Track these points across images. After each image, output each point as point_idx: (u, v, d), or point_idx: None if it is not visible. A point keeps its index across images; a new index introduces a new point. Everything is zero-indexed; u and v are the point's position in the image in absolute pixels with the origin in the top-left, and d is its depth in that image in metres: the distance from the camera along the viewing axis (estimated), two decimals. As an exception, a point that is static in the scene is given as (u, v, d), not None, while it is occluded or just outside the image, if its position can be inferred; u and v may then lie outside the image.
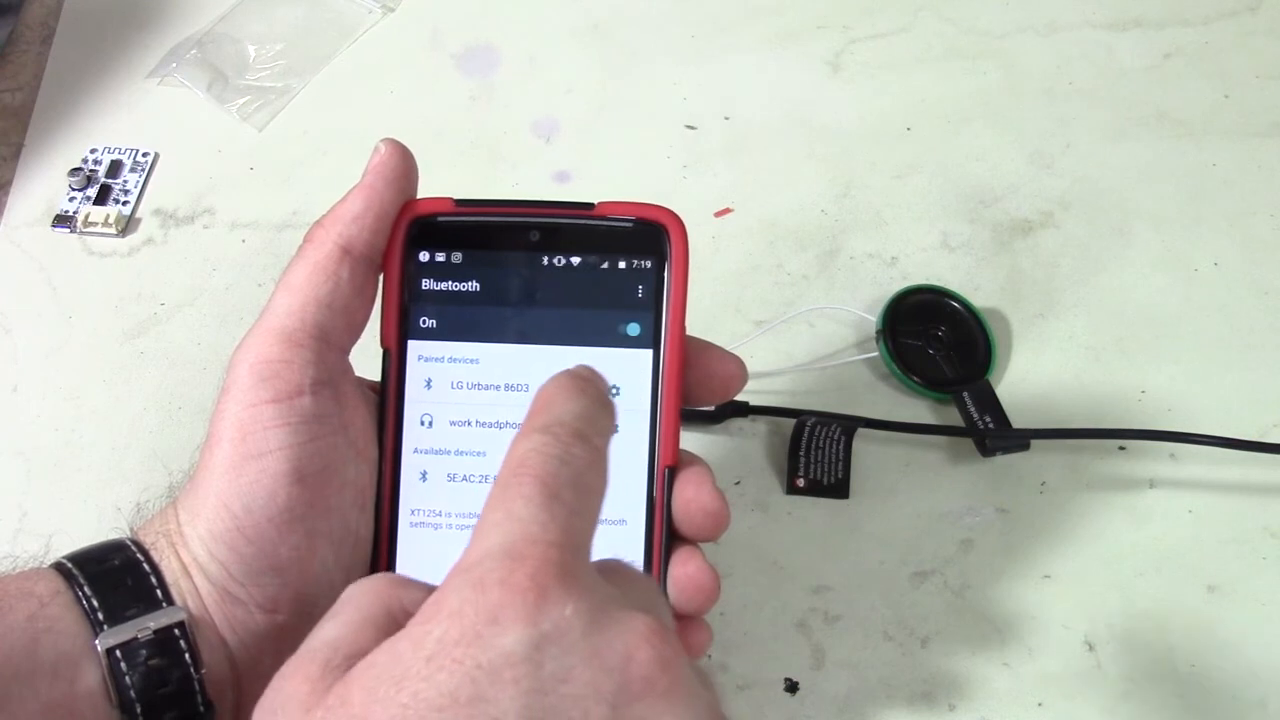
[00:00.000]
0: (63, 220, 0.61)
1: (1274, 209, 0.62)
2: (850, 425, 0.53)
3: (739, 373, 0.40)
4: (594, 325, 0.39)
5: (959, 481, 0.54)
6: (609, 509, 0.38)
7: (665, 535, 0.38)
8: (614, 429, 0.31)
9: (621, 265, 0.39)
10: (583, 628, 0.26)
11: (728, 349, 0.40)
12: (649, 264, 0.38)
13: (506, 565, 0.26)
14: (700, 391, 0.40)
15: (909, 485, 0.54)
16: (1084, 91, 0.67)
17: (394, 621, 0.28)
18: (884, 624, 0.50)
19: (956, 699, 0.48)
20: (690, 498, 0.38)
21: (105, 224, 0.61)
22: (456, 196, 0.39)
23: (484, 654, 0.25)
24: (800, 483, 0.53)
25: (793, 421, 0.54)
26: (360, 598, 0.29)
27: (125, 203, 0.62)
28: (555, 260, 0.39)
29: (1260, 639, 0.50)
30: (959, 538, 0.52)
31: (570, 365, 0.32)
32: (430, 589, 0.28)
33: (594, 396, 0.31)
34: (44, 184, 0.63)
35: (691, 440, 0.55)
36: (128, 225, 0.62)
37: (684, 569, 0.37)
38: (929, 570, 0.51)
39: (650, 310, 0.38)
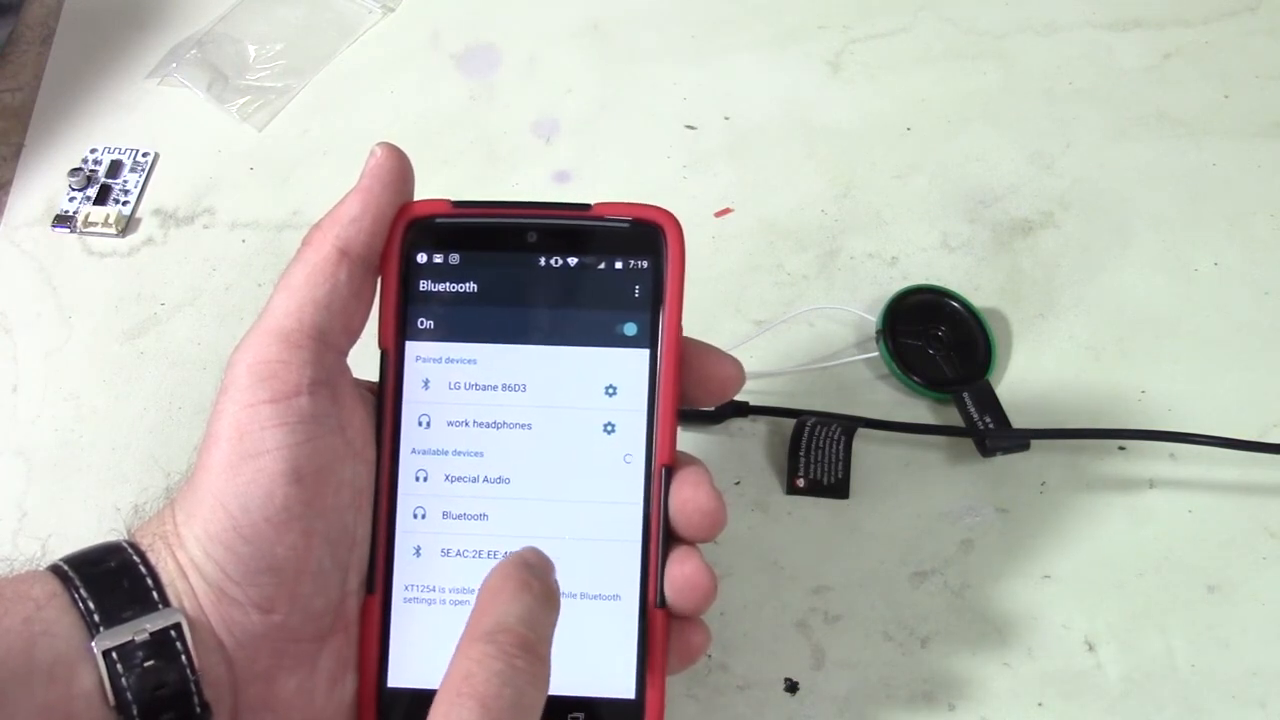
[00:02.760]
0: (63, 220, 0.61)
1: (1274, 209, 0.62)
2: (850, 425, 0.53)
3: (737, 374, 0.40)
4: (591, 325, 0.39)
5: (959, 481, 0.54)
6: (608, 508, 0.38)
7: (662, 535, 0.38)
8: (556, 620, 0.33)
9: (618, 265, 0.39)
10: None
11: (727, 350, 0.40)
12: (646, 264, 0.39)
13: None
14: (698, 393, 0.40)
15: (909, 485, 0.54)
16: (1084, 91, 0.67)
17: None
18: (884, 624, 0.50)
19: (956, 699, 0.48)
20: (687, 497, 0.38)
21: (105, 224, 0.61)
22: (454, 198, 0.39)
23: None
24: (800, 483, 0.53)
25: (793, 421, 0.54)
26: None
27: (125, 203, 0.62)
28: (552, 261, 0.39)
29: (1260, 639, 0.50)
30: (959, 538, 0.52)
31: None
32: None
33: (538, 592, 0.33)
34: (44, 184, 0.63)
35: (691, 440, 0.55)
36: (128, 225, 0.62)
37: (681, 569, 0.38)
38: (929, 570, 0.51)
39: (647, 310, 0.38)
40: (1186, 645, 0.50)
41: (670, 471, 0.38)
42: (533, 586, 0.33)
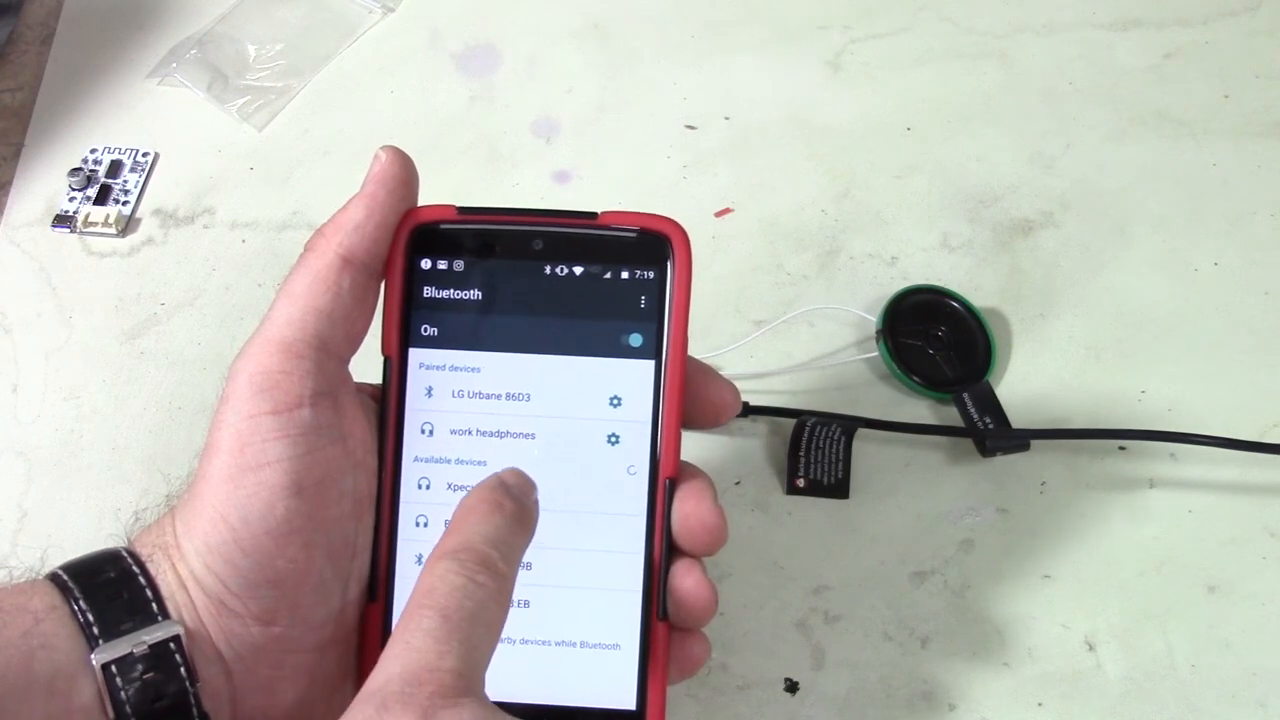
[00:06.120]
0: (63, 220, 0.61)
1: (1274, 209, 0.62)
2: (850, 425, 0.53)
3: (733, 401, 0.40)
4: (596, 335, 0.38)
5: (959, 481, 0.54)
6: (611, 520, 0.38)
7: (665, 547, 0.38)
8: (528, 541, 0.34)
9: (624, 275, 0.38)
10: None
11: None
12: (652, 274, 0.38)
13: (407, 688, 0.29)
14: (693, 415, 0.40)
15: (909, 485, 0.54)
16: (1084, 91, 0.67)
17: None
18: (884, 624, 0.50)
19: (956, 699, 0.49)
20: (690, 511, 0.38)
21: (105, 224, 0.61)
22: (459, 204, 0.39)
23: None
24: (800, 483, 0.53)
25: (793, 421, 0.54)
26: None
27: (125, 203, 0.62)
28: (558, 269, 0.39)
29: (1260, 639, 0.50)
30: (959, 538, 0.52)
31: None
32: None
33: (510, 513, 0.33)
34: (44, 184, 0.63)
35: (691, 440, 0.54)
36: (128, 225, 0.62)
37: (683, 582, 0.38)
38: (929, 570, 0.52)
39: (653, 321, 0.38)
40: (1186, 645, 0.50)
41: (674, 484, 0.38)
42: (505, 507, 0.33)
